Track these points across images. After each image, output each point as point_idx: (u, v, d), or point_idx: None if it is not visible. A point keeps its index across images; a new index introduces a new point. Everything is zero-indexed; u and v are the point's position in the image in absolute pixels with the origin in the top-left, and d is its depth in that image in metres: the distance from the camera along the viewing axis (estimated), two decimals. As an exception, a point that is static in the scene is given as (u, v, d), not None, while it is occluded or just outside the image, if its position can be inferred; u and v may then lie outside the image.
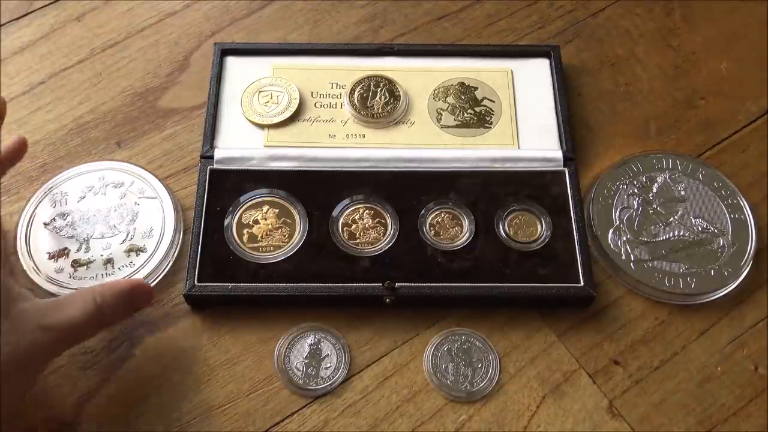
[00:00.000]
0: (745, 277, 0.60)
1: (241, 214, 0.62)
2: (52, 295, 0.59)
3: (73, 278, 0.59)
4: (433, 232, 0.62)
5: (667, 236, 0.60)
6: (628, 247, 0.60)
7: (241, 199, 0.63)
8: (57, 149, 0.67)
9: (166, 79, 0.71)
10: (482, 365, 0.57)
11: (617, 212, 0.61)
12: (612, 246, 0.60)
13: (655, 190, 0.62)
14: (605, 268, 0.61)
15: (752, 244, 0.61)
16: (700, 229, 0.61)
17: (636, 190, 0.62)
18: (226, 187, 0.63)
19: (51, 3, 0.76)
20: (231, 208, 0.62)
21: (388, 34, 0.74)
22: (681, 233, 0.60)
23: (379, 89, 0.68)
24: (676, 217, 0.61)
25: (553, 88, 0.69)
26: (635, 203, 0.62)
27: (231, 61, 0.70)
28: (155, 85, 0.71)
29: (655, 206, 0.61)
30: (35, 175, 0.66)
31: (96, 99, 0.70)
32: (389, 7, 0.76)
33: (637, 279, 0.59)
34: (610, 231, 0.61)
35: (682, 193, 0.62)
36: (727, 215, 0.62)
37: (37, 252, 0.60)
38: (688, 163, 0.64)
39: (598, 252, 0.61)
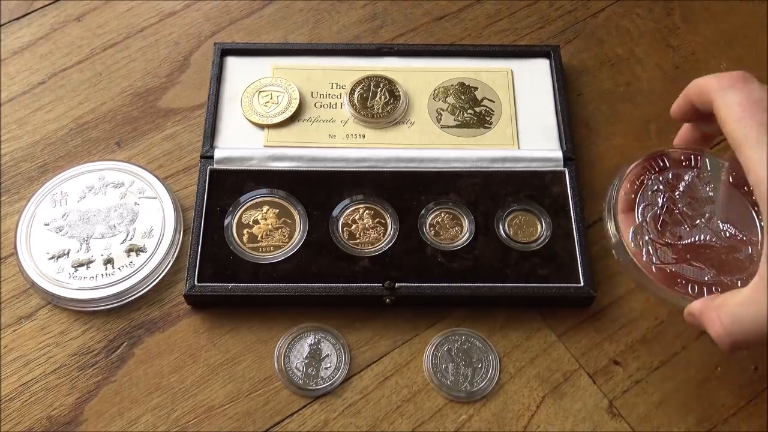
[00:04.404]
0: None
1: (241, 214, 0.62)
2: (53, 294, 0.59)
3: (74, 278, 0.59)
4: (433, 232, 0.62)
5: (693, 239, 0.54)
6: (650, 247, 0.54)
7: (241, 199, 0.63)
8: (57, 149, 0.67)
9: (166, 79, 0.71)
10: (482, 365, 0.57)
11: (640, 209, 0.56)
12: (633, 245, 0.54)
13: (681, 189, 0.56)
14: (620, 264, 0.55)
15: None
16: (728, 234, 0.54)
17: (662, 187, 0.56)
18: (226, 187, 0.63)
19: (51, 3, 0.76)
20: (231, 208, 0.62)
21: (388, 34, 0.74)
22: (708, 238, 0.54)
23: (379, 89, 0.68)
24: (703, 219, 0.55)
25: (553, 88, 0.69)
26: (660, 201, 0.56)
27: (231, 61, 0.70)
28: (155, 85, 0.71)
29: (681, 206, 0.56)
30: (35, 175, 0.66)
31: (96, 99, 0.70)
32: (389, 7, 0.76)
33: (656, 283, 0.52)
34: (632, 228, 0.55)
35: (710, 194, 0.56)
36: (757, 222, 0.54)
37: (37, 252, 0.60)
38: (719, 164, 0.57)
39: (618, 251, 0.54)
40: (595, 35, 0.75)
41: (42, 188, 0.64)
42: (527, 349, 0.58)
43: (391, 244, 0.61)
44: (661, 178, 0.57)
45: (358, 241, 0.61)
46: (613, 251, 0.54)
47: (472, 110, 0.68)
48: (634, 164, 0.57)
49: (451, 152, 0.65)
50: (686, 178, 0.57)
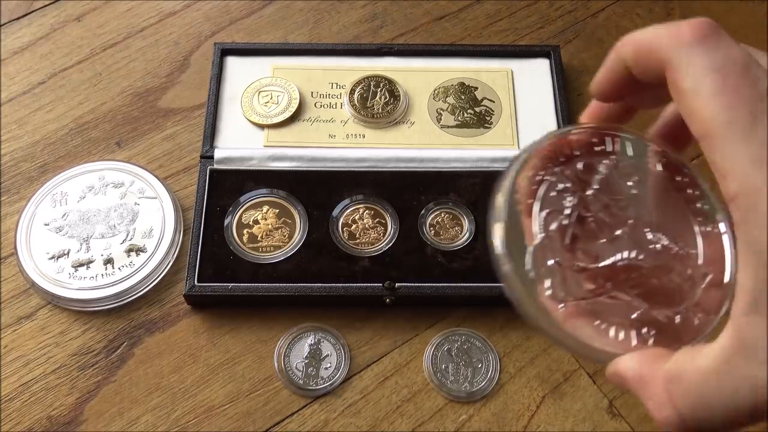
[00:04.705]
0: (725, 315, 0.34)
1: (241, 214, 0.62)
2: (53, 294, 0.59)
3: (74, 278, 0.59)
4: (433, 232, 0.62)
5: (615, 260, 0.37)
6: (556, 277, 0.36)
7: (241, 199, 0.63)
8: (57, 149, 0.67)
9: (166, 79, 0.71)
10: (482, 365, 0.57)
11: (541, 218, 0.37)
12: (532, 274, 0.36)
13: (595, 186, 0.38)
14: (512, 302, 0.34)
15: (731, 271, 0.34)
16: (659, 248, 0.37)
17: (569, 185, 0.38)
18: (226, 187, 0.63)
19: (51, 3, 0.76)
20: (231, 208, 0.62)
21: (388, 34, 0.74)
22: (634, 255, 0.37)
23: (379, 89, 0.68)
24: (626, 228, 0.37)
25: (553, 88, 0.69)
26: (567, 206, 0.37)
27: (231, 61, 0.70)
28: (155, 85, 0.71)
29: (596, 211, 0.37)
30: (35, 175, 0.66)
31: (96, 99, 0.70)
32: (389, 7, 0.76)
33: (564, 330, 0.35)
34: (530, 249, 0.36)
35: (634, 191, 0.38)
36: (695, 228, 0.37)
37: (37, 252, 0.60)
38: (644, 146, 0.39)
39: (509, 283, 0.34)
40: (595, 35, 0.75)
41: (42, 188, 0.63)
42: (527, 349, 0.58)
43: (391, 244, 0.61)
44: (567, 173, 0.38)
45: (358, 241, 0.61)
46: (504, 283, 0.34)
47: (472, 110, 0.68)
48: (530, 151, 0.37)
49: (451, 152, 0.65)
50: (601, 169, 0.38)
